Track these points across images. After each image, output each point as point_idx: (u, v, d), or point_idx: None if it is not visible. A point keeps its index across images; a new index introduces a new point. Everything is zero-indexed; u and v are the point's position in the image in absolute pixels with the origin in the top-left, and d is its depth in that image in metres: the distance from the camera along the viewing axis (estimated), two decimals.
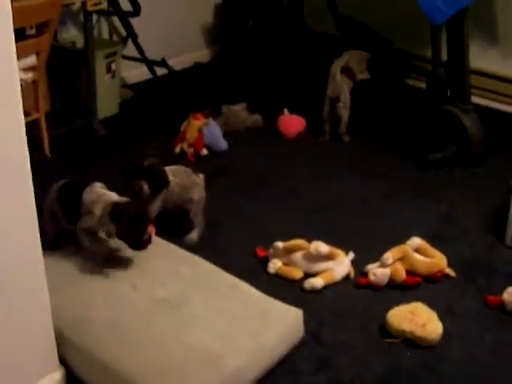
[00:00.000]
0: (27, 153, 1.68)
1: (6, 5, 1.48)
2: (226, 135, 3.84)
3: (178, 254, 2.52)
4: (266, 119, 4.10)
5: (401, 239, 2.87)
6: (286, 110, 4.11)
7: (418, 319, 2.43)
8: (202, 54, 5.14)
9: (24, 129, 1.65)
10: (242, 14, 4.86)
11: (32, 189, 1.72)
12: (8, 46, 1.52)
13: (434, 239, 2.96)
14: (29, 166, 1.71)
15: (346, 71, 4.00)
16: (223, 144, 3.80)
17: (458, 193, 3.50)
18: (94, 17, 3.96)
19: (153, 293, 2.27)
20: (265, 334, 2.19)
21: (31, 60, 3.29)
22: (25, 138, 1.66)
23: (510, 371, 2.36)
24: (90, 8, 3.52)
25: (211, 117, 3.84)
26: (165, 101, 4.38)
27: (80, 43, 4.08)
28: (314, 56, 4.65)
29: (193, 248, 2.70)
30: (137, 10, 4.00)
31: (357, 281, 2.74)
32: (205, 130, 3.73)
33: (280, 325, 2.25)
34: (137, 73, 4.61)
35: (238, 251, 2.83)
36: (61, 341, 2.01)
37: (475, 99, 3.93)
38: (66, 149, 3.72)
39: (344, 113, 3.94)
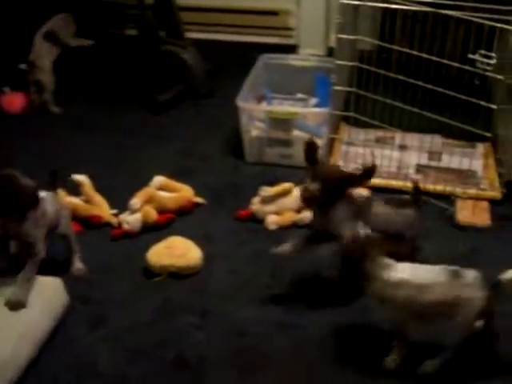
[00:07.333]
0: None
1: None
2: None
3: None
4: None
5: (145, 183, 2.88)
6: (8, 89, 3.91)
7: (176, 251, 2.51)
8: None
9: None
10: None
11: None
12: None
13: (179, 175, 3.03)
14: None
15: (50, 36, 3.88)
16: None
17: (193, 127, 3.60)
18: None
19: None
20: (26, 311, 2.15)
21: None
22: None
23: (268, 274, 2.53)
24: None
25: None
26: None
27: None
28: (22, 23, 4.43)
29: None
30: None
31: (112, 234, 2.74)
32: None
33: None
34: None
35: None
36: None
37: (192, 34, 4.03)
38: None
39: (44, 79, 3.78)
